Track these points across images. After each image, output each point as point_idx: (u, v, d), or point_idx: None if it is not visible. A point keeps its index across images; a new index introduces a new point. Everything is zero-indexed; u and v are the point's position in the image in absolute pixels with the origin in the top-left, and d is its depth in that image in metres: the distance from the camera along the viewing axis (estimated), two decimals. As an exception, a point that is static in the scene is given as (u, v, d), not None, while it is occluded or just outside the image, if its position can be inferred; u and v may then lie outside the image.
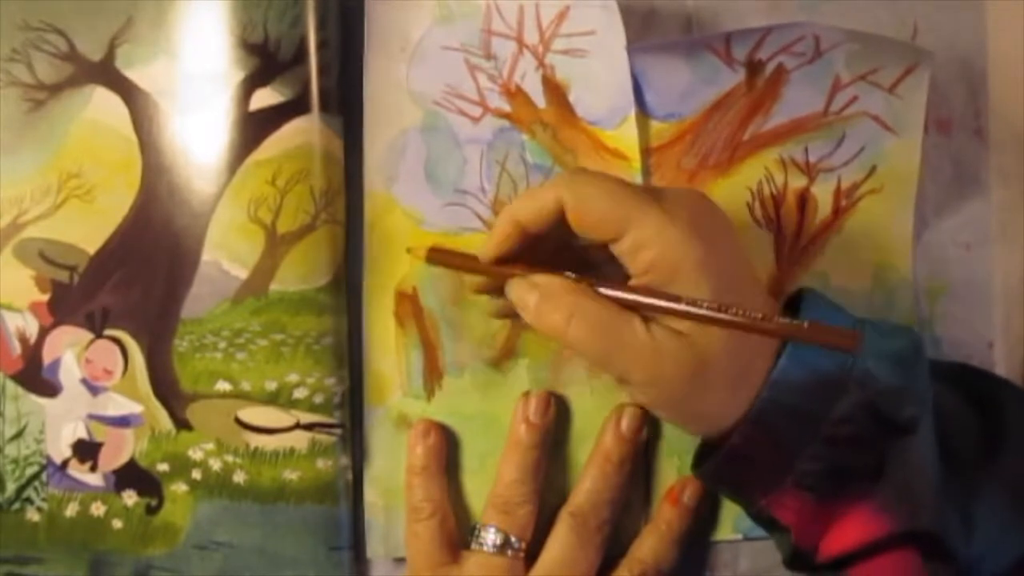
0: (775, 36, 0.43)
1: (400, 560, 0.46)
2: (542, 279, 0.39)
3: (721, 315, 0.36)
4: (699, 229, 0.37)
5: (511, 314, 0.41)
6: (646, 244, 0.37)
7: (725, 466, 0.39)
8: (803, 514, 0.38)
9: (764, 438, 0.37)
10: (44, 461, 0.45)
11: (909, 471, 0.37)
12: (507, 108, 0.45)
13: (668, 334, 0.37)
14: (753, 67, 0.44)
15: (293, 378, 0.45)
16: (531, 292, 0.39)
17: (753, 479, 0.39)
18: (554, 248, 0.40)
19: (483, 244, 0.40)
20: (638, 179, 0.44)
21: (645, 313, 0.38)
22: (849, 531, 0.38)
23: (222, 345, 0.45)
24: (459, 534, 0.44)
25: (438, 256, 0.41)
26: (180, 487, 0.45)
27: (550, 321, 0.38)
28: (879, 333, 0.38)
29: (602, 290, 0.38)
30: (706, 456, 0.40)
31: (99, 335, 0.45)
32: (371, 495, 0.45)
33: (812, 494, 0.38)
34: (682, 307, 0.37)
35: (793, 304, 0.40)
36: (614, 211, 0.37)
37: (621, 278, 0.38)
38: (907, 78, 0.44)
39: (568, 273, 0.39)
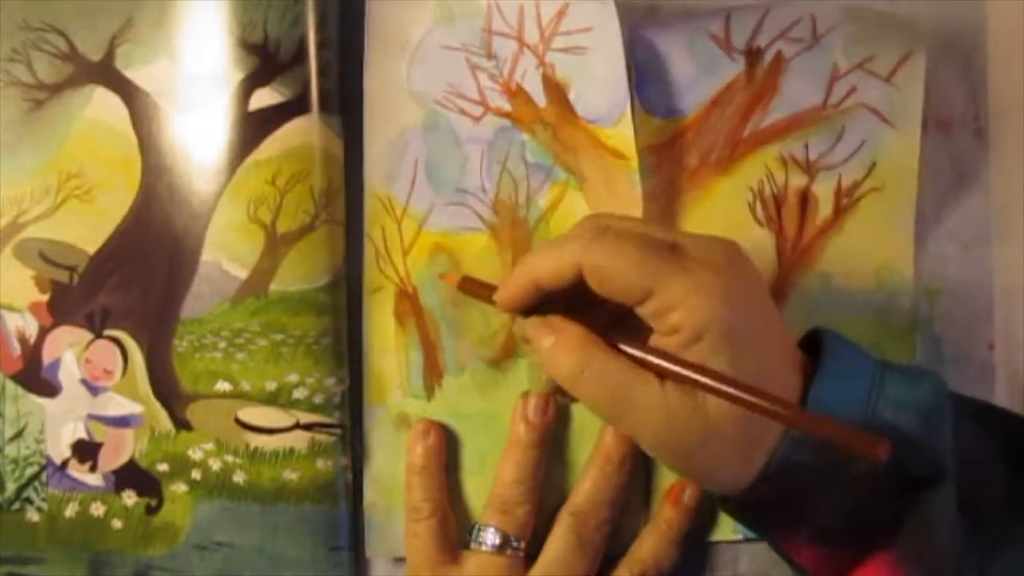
0: (773, 18, 0.43)
1: (400, 560, 0.46)
2: (561, 324, 0.37)
3: (743, 395, 0.34)
4: (728, 292, 0.35)
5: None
6: (670, 309, 0.35)
7: (740, 513, 0.39)
8: (819, 561, 0.37)
9: (779, 494, 0.36)
10: (44, 461, 0.45)
11: (928, 525, 0.36)
12: (508, 107, 0.45)
13: (682, 397, 0.35)
14: (752, 56, 0.44)
15: (293, 378, 0.45)
16: (548, 335, 0.37)
17: (769, 526, 0.38)
18: (575, 293, 0.38)
19: (499, 292, 0.39)
20: (636, 178, 0.44)
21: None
22: None
23: (222, 345, 0.45)
24: (459, 534, 0.44)
25: (469, 285, 0.41)
26: (180, 487, 0.45)
27: (562, 370, 0.36)
28: (903, 379, 0.36)
29: (621, 346, 0.36)
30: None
31: (99, 335, 0.45)
32: (371, 495, 0.45)
33: (828, 545, 0.37)
34: (703, 380, 0.34)
35: (810, 341, 0.38)
36: (637, 279, 0.35)
37: (645, 327, 0.37)
38: (904, 66, 0.44)
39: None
